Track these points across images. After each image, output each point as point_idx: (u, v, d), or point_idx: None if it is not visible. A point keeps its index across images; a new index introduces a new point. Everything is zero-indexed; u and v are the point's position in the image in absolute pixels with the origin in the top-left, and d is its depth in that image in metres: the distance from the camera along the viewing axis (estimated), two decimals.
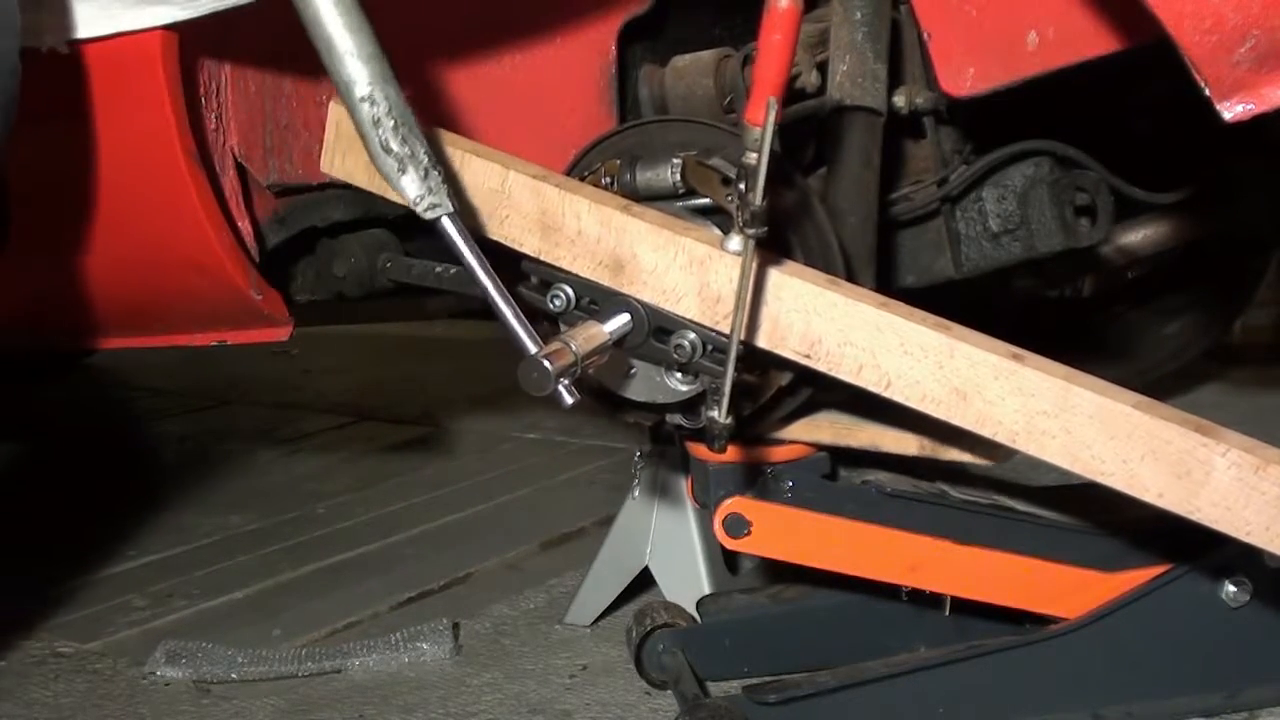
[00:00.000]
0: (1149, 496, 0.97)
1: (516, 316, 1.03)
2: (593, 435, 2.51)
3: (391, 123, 1.02)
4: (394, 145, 1.02)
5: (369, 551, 1.92)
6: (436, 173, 1.03)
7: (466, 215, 1.13)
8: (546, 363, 0.96)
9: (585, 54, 1.28)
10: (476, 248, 1.03)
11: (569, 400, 0.98)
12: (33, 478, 2.46)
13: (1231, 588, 1.13)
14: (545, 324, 1.14)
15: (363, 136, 1.02)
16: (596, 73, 1.28)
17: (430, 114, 1.31)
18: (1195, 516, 0.96)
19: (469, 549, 1.89)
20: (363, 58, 1.01)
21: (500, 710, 1.35)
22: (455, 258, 1.04)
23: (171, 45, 1.22)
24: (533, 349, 1.00)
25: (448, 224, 1.04)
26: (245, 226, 1.33)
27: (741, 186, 0.93)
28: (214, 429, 2.88)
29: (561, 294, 1.10)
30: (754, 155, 0.90)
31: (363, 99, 1.01)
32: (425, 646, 1.50)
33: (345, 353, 3.75)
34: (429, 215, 1.03)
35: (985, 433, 0.99)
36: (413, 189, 1.03)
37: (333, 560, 1.89)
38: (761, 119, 0.89)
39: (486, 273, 1.03)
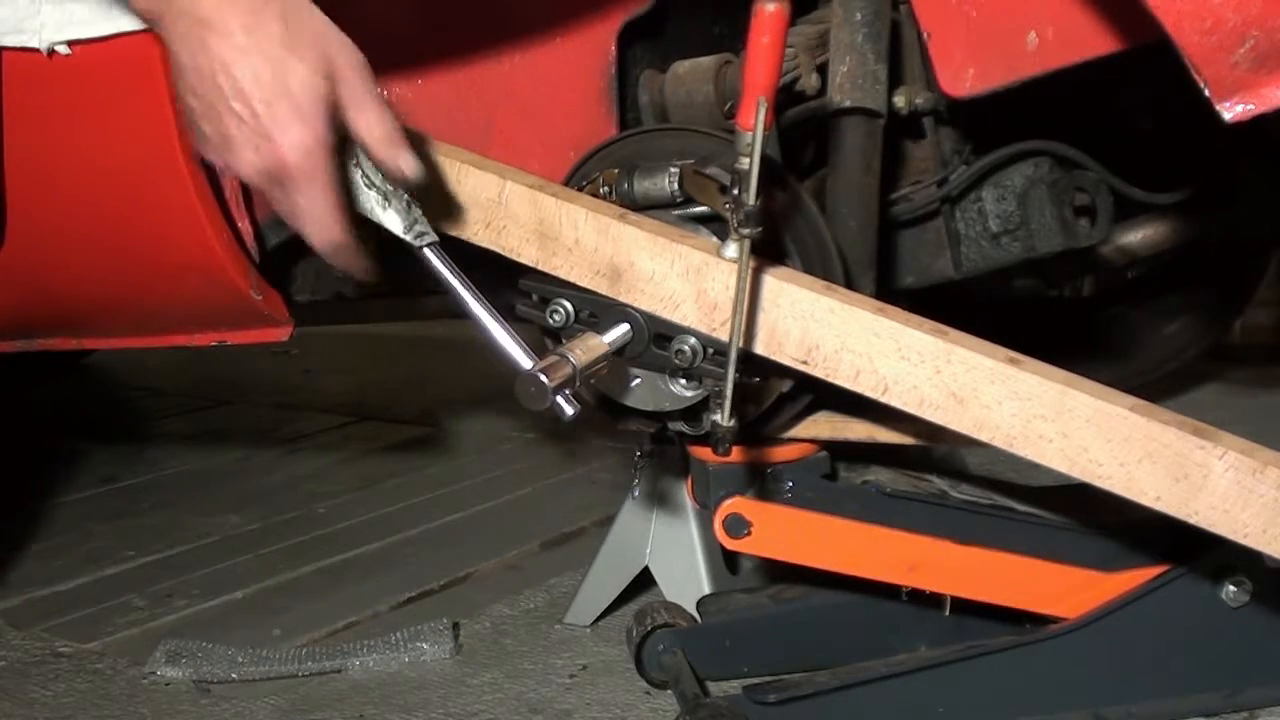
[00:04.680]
0: (1146, 500, 0.97)
1: (507, 334, 1.04)
2: (593, 435, 2.50)
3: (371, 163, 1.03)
4: (375, 180, 1.03)
5: (369, 551, 1.92)
6: (418, 206, 1.05)
7: (464, 227, 1.13)
8: (543, 376, 0.97)
9: (585, 54, 1.28)
10: (461, 274, 1.05)
11: (569, 411, 0.98)
12: (31, 478, 2.46)
13: (1231, 588, 1.13)
14: (548, 340, 1.15)
15: (347, 181, 1.02)
16: (597, 73, 1.27)
17: (429, 114, 1.31)
18: (1193, 519, 0.96)
19: (469, 549, 1.88)
20: None
21: (500, 710, 1.35)
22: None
23: None
24: (527, 364, 1.01)
25: (430, 254, 1.06)
26: (245, 226, 1.33)
27: (735, 189, 0.93)
28: (214, 429, 2.87)
29: (561, 309, 1.10)
30: (747, 159, 0.91)
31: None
32: (425, 646, 1.50)
33: (345, 353, 3.74)
34: (415, 244, 1.05)
35: (983, 437, 1.00)
36: (397, 224, 1.04)
37: (333, 560, 1.89)
38: (752, 123, 0.90)
39: (474, 296, 1.05)
